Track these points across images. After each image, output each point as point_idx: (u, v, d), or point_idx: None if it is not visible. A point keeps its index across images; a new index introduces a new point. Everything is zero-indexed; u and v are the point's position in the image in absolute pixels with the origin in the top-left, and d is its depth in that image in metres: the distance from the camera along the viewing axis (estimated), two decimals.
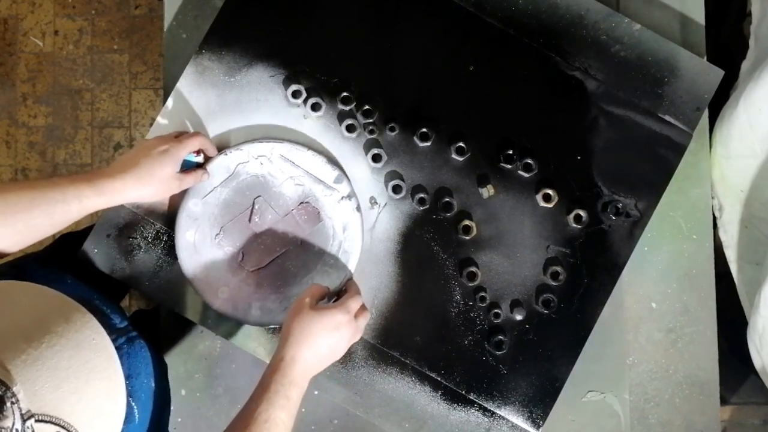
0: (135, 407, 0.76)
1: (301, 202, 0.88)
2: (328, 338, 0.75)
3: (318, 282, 0.87)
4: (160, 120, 0.91)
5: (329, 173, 0.88)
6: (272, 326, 0.89)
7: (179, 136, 0.84)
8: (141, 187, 0.78)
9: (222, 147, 0.90)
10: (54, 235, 0.80)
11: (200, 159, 0.87)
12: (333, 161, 0.89)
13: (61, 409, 0.59)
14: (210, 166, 0.87)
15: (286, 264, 0.87)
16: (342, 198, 0.88)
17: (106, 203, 0.76)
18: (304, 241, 0.88)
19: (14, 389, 0.55)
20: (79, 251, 0.90)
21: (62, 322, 0.66)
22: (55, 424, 0.58)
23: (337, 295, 0.87)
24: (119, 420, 0.68)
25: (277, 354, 0.74)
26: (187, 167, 0.86)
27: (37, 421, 0.56)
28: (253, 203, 0.88)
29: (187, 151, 0.82)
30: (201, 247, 0.87)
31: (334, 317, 0.75)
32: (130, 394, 0.76)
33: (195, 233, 0.87)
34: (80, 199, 0.73)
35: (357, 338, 0.78)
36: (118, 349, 0.78)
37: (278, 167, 0.88)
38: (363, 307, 0.81)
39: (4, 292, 0.70)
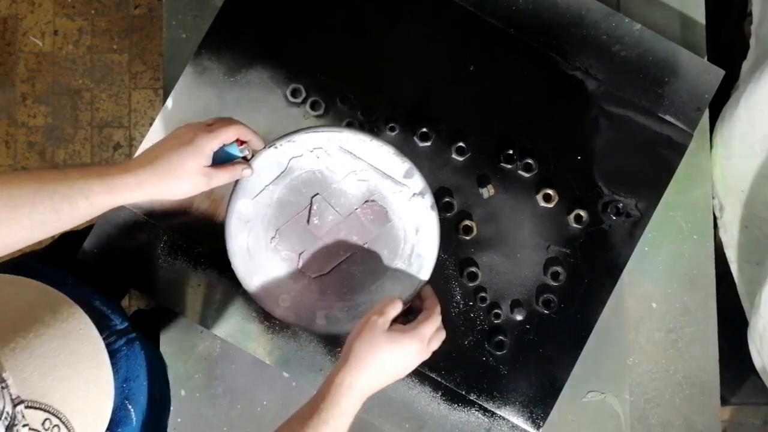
0: (132, 410, 0.75)
1: (366, 201, 0.79)
2: (393, 366, 0.68)
3: (389, 289, 0.79)
4: (157, 123, 0.91)
5: (398, 166, 0.78)
6: (301, 328, 0.82)
7: (213, 123, 0.73)
8: (158, 183, 0.68)
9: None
10: (53, 235, 0.79)
11: (247, 153, 0.77)
12: (401, 153, 0.79)
13: (50, 396, 0.59)
14: (257, 161, 0.77)
15: (351, 269, 0.79)
16: (414, 195, 0.78)
17: (119, 201, 0.67)
18: (370, 244, 0.79)
19: (3, 375, 0.55)
20: (80, 251, 0.90)
21: (49, 313, 0.65)
22: (44, 410, 0.58)
23: (410, 305, 0.78)
24: (107, 408, 0.68)
25: (336, 376, 0.66)
26: (228, 160, 0.75)
27: (27, 407, 0.56)
28: (311, 202, 0.79)
29: (218, 143, 0.71)
30: (255, 252, 0.79)
31: (407, 345, 0.68)
32: (127, 397, 0.76)
33: (248, 237, 0.78)
34: (87, 195, 0.65)
35: (423, 360, 0.71)
36: (117, 351, 0.77)
37: (338, 161, 0.78)
38: (439, 328, 0.72)
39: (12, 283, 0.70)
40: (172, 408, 0.92)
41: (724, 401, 1.35)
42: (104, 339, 0.77)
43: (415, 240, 0.79)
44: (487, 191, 0.90)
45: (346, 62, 0.92)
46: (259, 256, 0.79)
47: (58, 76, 1.84)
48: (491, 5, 0.93)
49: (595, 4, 0.93)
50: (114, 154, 1.84)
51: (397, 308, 0.71)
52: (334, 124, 0.91)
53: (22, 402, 0.56)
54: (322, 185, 0.79)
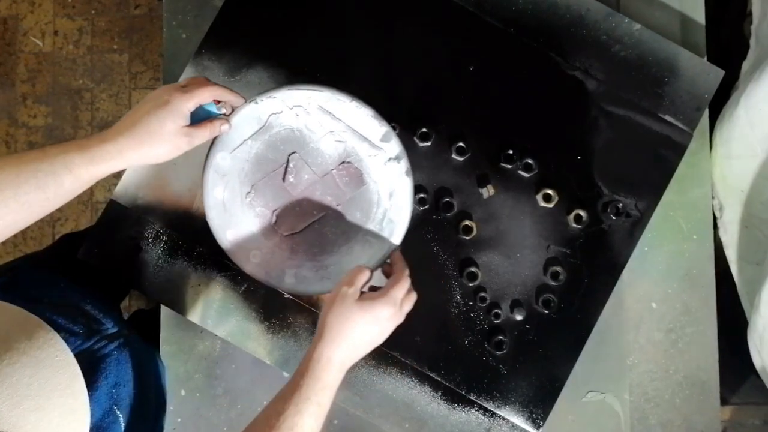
0: (120, 415, 0.74)
1: (342, 162, 0.78)
2: (368, 334, 0.69)
3: (359, 252, 0.78)
4: None
5: (376, 129, 0.77)
6: (304, 298, 0.81)
7: (187, 84, 0.72)
8: (139, 147, 0.67)
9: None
10: (53, 235, 0.79)
11: (225, 110, 0.76)
12: (380, 116, 0.78)
13: (21, 427, 0.57)
14: (237, 116, 0.77)
15: (323, 230, 0.78)
16: (390, 159, 0.78)
17: (103, 170, 0.66)
18: (344, 205, 0.79)
19: None
20: (79, 251, 0.90)
21: (24, 339, 0.62)
22: None
23: (381, 268, 0.78)
24: None
25: (313, 351, 0.67)
26: (206, 119, 0.74)
27: None
28: (288, 160, 0.78)
29: (194, 103, 0.70)
30: (231, 205, 0.78)
31: (380, 311, 0.68)
32: (115, 402, 0.75)
33: (224, 190, 0.78)
34: (70, 168, 0.64)
35: (398, 323, 0.71)
36: (107, 355, 0.77)
37: (317, 120, 0.77)
38: (409, 290, 0.72)
39: None
40: (172, 408, 0.92)
41: (724, 401, 1.35)
42: (94, 343, 0.76)
43: (388, 204, 0.79)
44: (487, 191, 0.90)
45: (346, 62, 0.92)
46: (233, 210, 0.79)
47: (58, 76, 1.84)
48: (491, 5, 0.93)
49: (595, 4, 0.93)
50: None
51: (365, 276, 0.71)
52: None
53: None
54: (300, 143, 0.78)
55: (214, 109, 0.75)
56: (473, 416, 0.89)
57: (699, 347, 0.94)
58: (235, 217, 0.79)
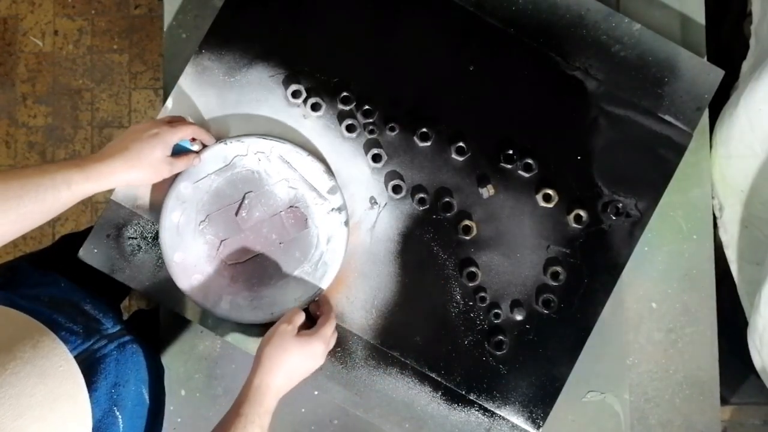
0: (119, 416, 0.75)
1: (291, 206, 0.87)
2: (302, 367, 0.77)
3: (293, 288, 0.87)
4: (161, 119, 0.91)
5: (325, 182, 0.88)
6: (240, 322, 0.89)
7: (172, 121, 0.84)
8: (129, 170, 0.77)
9: (222, 137, 0.89)
10: (53, 235, 0.79)
11: (197, 147, 0.87)
12: (330, 171, 0.89)
13: None
14: (207, 153, 0.87)
15: (264, 264, 0.87)
16: (332, 210, 0.87)
17: (96, 188, 0.75)
18: (286, 244, 0.87)
19: None
20: (79, 251, 0.90)
21: (29, 348, 0.63)
22: None
23: (307, 308, 0.87)
24: None
25: (253, 380, 0.74)
26: (180, 153, 0.85)
27: None
28: (243, 197, 0.87)
29: (178, 137, 0.81)
30: (184, 230, 0.87)
31: (314, 347, 0.77)
32: (115, 402, 0.75)
33: (181, 215, 0.87)
34: (69, 184, 0.72)
35: (325, 357, 0.81)
36: (107, 355, 0.77)
37: (275, 166, 0.87)
38: (335, 330, 0.84)
39: None
40: (172, 408, 0.92)
41: (724, 401, 1.35)
42: (94, 343, 0.76)
43: (325, 248, 0.88)
44: (487, 191, 0.90)
45: (346, 63, 0.92)
46: (185, 235, 0.87)
47: (58, 76, 1.84)
48: (491, 5, 0.93)
49: (594, 4, 0.93)
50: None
51: (301, 317, 0.80)
52: (333, 124, 0.91)
53: None
54: (257, 185, 0.88)
55: (188, 144, 0.86)
56: (473, 416, 0.89)
57: (699, 347, 0.94)
58: (186, 242, 0.87)
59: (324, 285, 0.88)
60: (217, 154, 0.87)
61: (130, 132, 0.80)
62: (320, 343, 0.78)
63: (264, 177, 0.87)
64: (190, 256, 0.87)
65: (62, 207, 0.74)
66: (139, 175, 0.79)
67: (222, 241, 0.87)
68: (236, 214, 0.87)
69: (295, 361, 0.76)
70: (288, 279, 0.87)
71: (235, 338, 0.90)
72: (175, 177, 0.86)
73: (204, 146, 0.87)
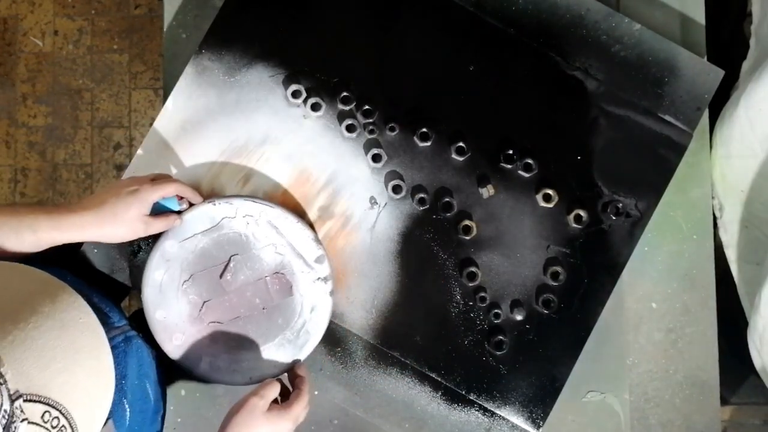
0: (127, 408, 0.75)
1: (277, 272, 0.86)
2: None
3: (273, 354, 0.86)
4: (157, 123, 0.91)
5: (312, 251, 0.86)
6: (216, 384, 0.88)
7: (156, 178, 0.82)
8: (101, 226, 0.76)
9: (210, 196, 0.88)
10: None
11: (184, 206, 0.85)
12: (319, 240, 0.87)
13: (50, 388, 0.58)
14: (194, 212, 0.85)
15: (246, 327, 0.86)
16: (318, 279, 0.86)
17: (64, 238, 0.74)
18: (269, 310, 0.86)
19: (1, 370, 0.55)
20: (79, 251, 0.90)
21: (48, 302, 0.65)
22: (44, 403, 0.58)
23: (286, 375, 0.86)
24: (108, 399, 0.68)
25: None
26: (162, 211, 0.83)
27: (25, 401, 0.56)
28: (229, 260, 0.85)
29: (158, 195, 0.79)
30: (167, 288, 0.85)
31: (281, 426, 0.76)
32: (124, 395, 0.76)
33: (164, 274, 0.85)
34: (35, 230, 0.72)
35: None
36: (114, 348, 0.77)
37: (263, 231, 0.86)
38: (307, 404, 0.81)
39: (11, 269, 0.69)
40: (172, 408, 0.92)
41: (724, 401, 1.35)
42: None
43: (308, 317, 0.86)
44: (487, 191, 0.90)
45: (346, 63, 0.92)
46: (168, 293, 0.85)
47: (58, 76, 1.84)
48: (491, 5, 0.93)
49: (594, 4, 0.93)
50: (114, 154, 1.84)
51: (275, 392, 0.78)
52: (333, 124, 0.91)
53: (20, 396, 0.56)
54: (243, 248, 0.86)
55: (173, 205, 0.84)
56: (473, 416, 0.89)
57: (699, 347, 0.94)
58: (168, 300, 0.86)
59: (303, 354, 0.86)
60: (206, 214, 0.86)
61: (110, 187, 0.79)
62: (288, 422, 0.77)
63: (251, 240, 0.86)
64: (172, 315, 0.85)
65: (26, 250, 0.73)
66: (111, 232, 0.77)
67: (205, 302, 0.85)
68: (221, 275, 0.85)
69: None
70: (269, 345, 0.86)
71: None
72: (159, 234, 0.85)
73: (190, 205, 0.86)
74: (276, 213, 0.86)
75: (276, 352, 0.86)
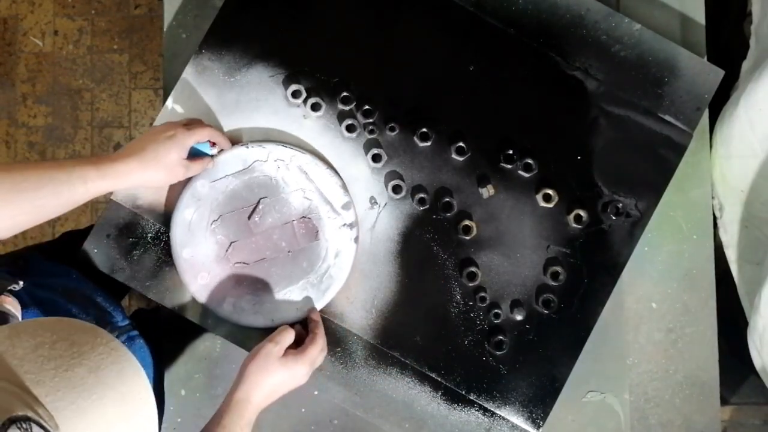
0: None
1: (304, 216, 0.87)
2: (284, 385, 0.78)
3: (295, 297, 0.87)
4: (161, 119, 0.91)
5: (340, 197, 0.88)
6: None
7: (188, 123, 0.84)
8: (144, 170, 0.78)
9: (238, 140, 0.90)
10: (53, 233, 0.79)
11: (215, 151, 0.87)
12: (346, 188, 0.89)
13: None
14: (227, 154, 0.87)
15: (270, 270, 0.87)
16: (344, 225, 0.88)
17: (110, 186, 0.76)
18: (294, 253, 0.87)
19: None
20: (79, 251, 0.90)
21: (114, 375, 0.59)
22: None
23: (300, 323, 0.87)
24: None
25: (234, 393, 0.76)
26: (197, 156, 0.85)
27: None
28: (258, 202, 0.87)
29: (194, 139, 0.81)
30: (195, 227, 0.87)
31: (297, 369, 0.78)
32: None
33: (194, 213, 0.87)
34: (85, 180, 0.73)
35: (309, 375, 0.81)
36: None
37: (293, 175, 0.88)
38: (323, 347, 0.83)
39: (71, 328, 0.65)
40: (172, 408, 0.92)
41: (724, 401, 1.35)
42: None
43: (332, 262, 0.88)
44: (487, 191, 0.90)
45: (346, 63, 0.92)
46: (196, 232, 0.87)
47: (58, 76, 1.84)
48: (491, 5, 0.93)
49: (594, 4, 0.93)
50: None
51: (290, 338, 0.80)
52: (333, 124, 0.91)
53: None
54: (273, 191, 0.88)
55: (205, 148, 0.86)
56: (473, 416, 0.89)
57: (699, 347, 0.94)
58: (196, 239, 0.87)
59: (327, 298, 0.88)
60: (237, 157, 0.87)
61: (148, 134, 0.80)
62: (304, 366, 0.78)
63: (281, 184, 0.88)
64: (199, 254, 0.87)
65: (77, 202, 0.74)
66: (155, 176, 0.79)
67: (232, 242, 0.87)
68: (249, 217, 0.87)
69: (277, 381, 0.77)
70: (292, 288, 0.87)
71: (235, 338, 0.90)
72: (189, 178, 0.86)
73: (221, 150, 0.88)
74: (307, 159, 0.88)
75: (299, 295, 0.87)
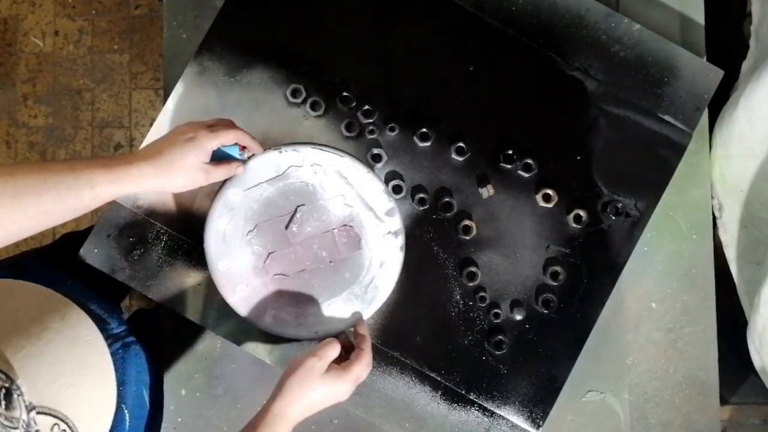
0: (126, 413, 0.75)
1: (345, 224, 0.83)
2: (324, 401, 0.73)
3: (339, 309, 0.83)
4: (158, 124, 0.91)
5: (383, 203, 0.83)
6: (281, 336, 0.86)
7: (215, 124, 0.77)
8: (158, 175, 0.71)
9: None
10: (54, 234, 0.80)
11: (244, 155, 0.81)
12: (390, 192, 0.84)
13: (59, 402, 0.59)
14: (259, 160, 0.82)
15: (311, 281, 0.83)
16: (388, 233, 0.83)
17: (121, 191, 0.70)
18: (336, 263, 0.83)
19: (18, 382, 0.55)
20: (80, 250, 0.90)
21: (58, 319, 0.65)
22: (54, 416, 0.58)
23: (345, 335, 0.83)
24: (110, 412, 0.69)
25: (272, 406, 0.71)
26: (224, 159, 0.78)
27: (38, 413, 0.56)
28: (296, 210, 0.83)
29: (217, 142, 0.75)
30: (230, 238, 0.82)
31: (340, 387, 0.73)
32: (123, 401, 0.76)
33: (228, 223, 0.82)
34: (93, 185, 0.67)
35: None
36: (113, 354, 0.77)
37: (332, 181, 0.83)
38: (368, 363, 0.77)
39: (4, 290, 0.70)
40: (172, 408, 0.92)
41: (724, 401, 1.36)
42: None
43: (377, 272, 0.84)
44: (487, 191, 0.90)
45: (346, 63, 0.92)
46: (232, 243, 0.83)
47: (58, 77, 1.85)
48: (491, 5, 0.93)
49: (594, 4, 0.93)
50: (114, 154, 1.84)
51: (335, 352, 0.75)
52: (333, 124, 0.91)
53: (33, 408, 0.56)
54: (310, 198, 0.83)
55: (234, 151, 0.79)
56: (473, 416, 0.89)
57: (699, 347, 0.94)
58: (232, 250, 0.83)
59: (372, 310, 0.84)
60: (271, 163, 0.82)
61: (168, 135, 0.75)
62: (347, 383, 0.73)
63: (319, 191, 0.83)
64: (236, 266, 0.83)
65: (86, 208, 0.69)
66: (170, 182, 0.73)
67: (270, 253, 0.83)
68: (286, 227, 0.82)
69: (317, 397, 0.72)
70: (335, 299, 0.83)
71: (235, 338, 0.90)
72: (223, 183, 0.81)
73: (252, 155, 0.82)
74: (346, 162, 0.83)
75: (343, 307, 0.83)
